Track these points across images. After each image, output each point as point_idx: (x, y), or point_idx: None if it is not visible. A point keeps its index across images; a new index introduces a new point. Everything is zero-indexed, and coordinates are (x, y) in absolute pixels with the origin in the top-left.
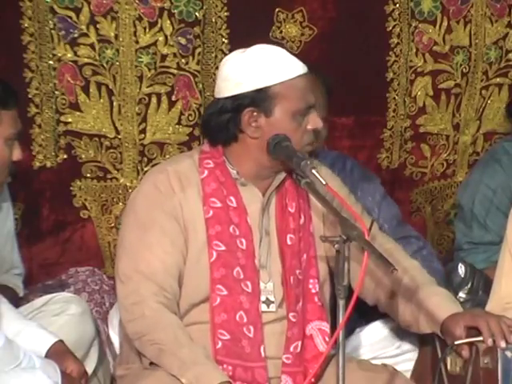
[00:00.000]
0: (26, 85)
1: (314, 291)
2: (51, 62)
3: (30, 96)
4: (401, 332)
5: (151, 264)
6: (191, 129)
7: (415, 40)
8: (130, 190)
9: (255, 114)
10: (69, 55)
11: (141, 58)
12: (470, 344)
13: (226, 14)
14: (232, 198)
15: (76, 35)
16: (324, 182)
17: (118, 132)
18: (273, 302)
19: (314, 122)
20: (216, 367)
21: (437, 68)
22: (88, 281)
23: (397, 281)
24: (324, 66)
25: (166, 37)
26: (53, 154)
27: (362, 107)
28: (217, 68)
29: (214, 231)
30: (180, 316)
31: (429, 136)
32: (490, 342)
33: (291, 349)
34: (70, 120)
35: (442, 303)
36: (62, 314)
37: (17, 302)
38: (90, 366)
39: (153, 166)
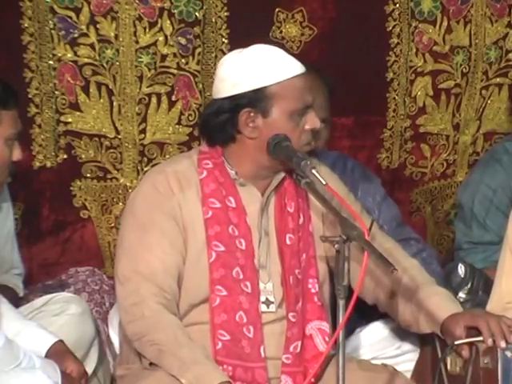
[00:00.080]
0: (26, 85)
1: (313, 291)
2: (51, 62)
3: (30, 96)
4: (401, 332)
5: (150, 265)
6: (191, 129)
7: (415, 40)
8: (129, 190)
9: (252, 114)
10: (69, 55)
11: (141, 57)
12: (470, 344)
13: (225, 13)
14: (231, 198)
15: (76, 35)
16: (324, 182)
17: (117, 132)
18: (272, 303)
19: (312, 121)
20: (216, 367)
21: (437, 68)
22: (88, 281)
23: (396, 280)
24: (324, 66)
25: (165, 37)
26: (53, 153)
27: (362, 107)
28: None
29: (213, 232)
30: (180, 317)
31: (429, 136)
32: (489, 342)
33: (291, 349)
34: (69, 120)
35: (441, 303)
36: (62, 314)
37: (17, 302)
38: (89, 366)
39: (153, 165)
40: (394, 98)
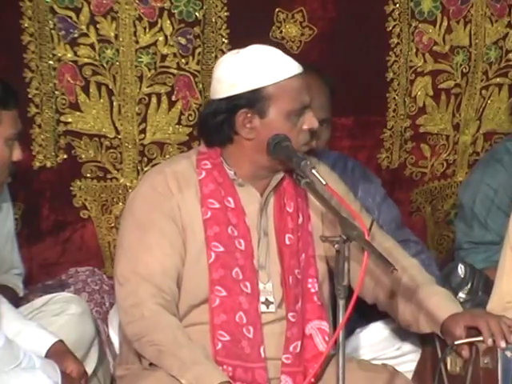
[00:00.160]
0: (26, 85)
1: (313, 290)
2: (51, 62)
3: (30, 96)
4: (401, 333)
5: (149, 266)
6: (191, 129)
7: (415, 40)
8: (129, 190)
9: (249, 115)
10: (69, 55)
11: (141, 58)
12: (470, 344)
13: (225, 13)
14: (230, 198)
15: (76, 35)
16: (324, 182)
17: (118, 132)
18: (272, 303)
19: (310, 121)
20: (216, 367)
21: (437, 68)
22: (88, 281)
23: (396, 280)
24: (324, 66)
25: (165, 37)
26: (53, 153)
27: (362, 107)
28: None
29: (212, 232)
30: (180, 317)
31: (429, 136)
32: (489, 342)
33: (291, 349)
34: (70, 120)
35: (441, 303)
36: (62, 314)
37: (17, 302)
38: (89, 366)
39: (153, 165)
40: (394, 98)
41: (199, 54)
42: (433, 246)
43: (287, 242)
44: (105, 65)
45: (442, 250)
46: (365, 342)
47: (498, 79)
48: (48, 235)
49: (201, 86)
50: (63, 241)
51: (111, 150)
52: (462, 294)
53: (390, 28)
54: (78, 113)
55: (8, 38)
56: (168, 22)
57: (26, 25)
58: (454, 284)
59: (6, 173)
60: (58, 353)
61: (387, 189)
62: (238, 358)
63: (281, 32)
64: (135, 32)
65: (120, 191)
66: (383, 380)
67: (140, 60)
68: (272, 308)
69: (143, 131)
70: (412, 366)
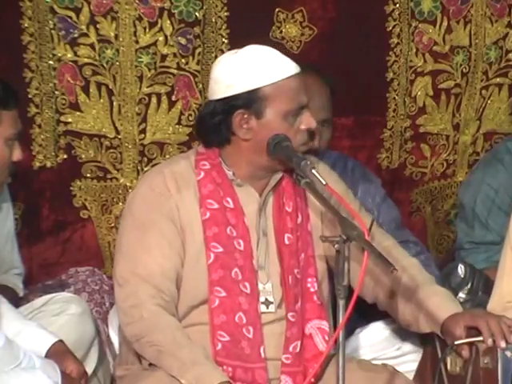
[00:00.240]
0: (26, 85)
1: (312, 290)
2: (51, 62)
3: (30, 96)
4: (401, 333)
5: (148, 267)
6: (191, 129)
7: (415, 40)
8: (129, 190)
9: (246, 116)
10: (69, 55)
11: (141, 58)
12: (470, 344)
13: (225, 13)
14: (229, 199)
15: (76, 35)
16: (324, 182)
17: (118, 132)
18: (272, 303)
19: (308, 121)
20: (216, 367)
21: (437, 68)
22: (88, 281)
23: (396, 279)
24: (324, 66)
25: (165, 37)
26: (53, 153)
27: (362, 107)
28: None
29: (211, 233)
30: (179, 318)
31: (429, 136)
32: (489, 342)
33: (290, 349)
34: (70, 120)
35: (442, 303)
36: (61, 314)
37: (17, 302)
38: (89, 366)
39: (153, 165)
40: (394, 98)
41: (199, 53)
42: (433, 246)
43: (286, 241)
44: (105, 65)
45: (441, 250)
46: (365, 342)
47: (497, 79)
48: (48, 235)
49: (201, 85)
50: (63, 241)
51: (111, 150)
52: (462, 294)
53: (390, 28)
54: (77, 113)
55: (8, 38)
56: (168, 21)
57: (26, 25)
58: (453, 284)
59: (5, 173)
60: (58, 353)
61: (387, 189)
62: (238, 358)
63: (281, 32)
64: (135, 32)
65: (120, 191)
66: (383, 380)
67: (140, 60)
68: (272, 308)
69: (143, 131)
70: (412, 366)
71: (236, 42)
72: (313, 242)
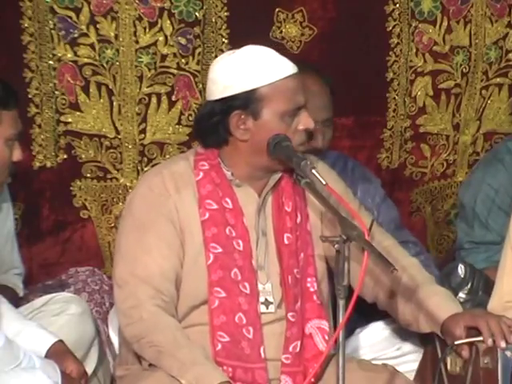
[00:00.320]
0: (26, 85)
1: (312, 290)
2: (51, 62)
3: (30, 96)
4: (401, 333)
5: (147, 267)
6: (191, 129)
7: (415, 40)
8: (129, 190)
9: (243, 116)
10: (69, 55)
11: (141, 58)
12: (470, 344)
13: (225, 13)
14: (228, 199)
15: (76, 35)
16: (324, 182)
17: (118, 132)
18: (272, 303)
19: (305, 122)
20: (215, 367)
21: (437, 68)
22: (88, 281)
23: (396, 279)
24: (324, 66)
25: (165, 37)
26: (53, 153)
27: (362, 107)
28: None
29: (210, 233)
30: (179, 318)
31: (429, 136)
32: (489, 342)
33: (290, 349)
34: (70, 120)
35: (442, 303)
36: (62, 314)
37: (17, 302)
38: (90, 366)
39: (153, 166)
40: (394, 98)
41: (199, 53)
42: (433, 246)
43: (286, 241)
44: (105, 65)
45: (441, 250)
46: (365, 342)
47: (498, 79)
48: (48, 235)
49: (201, 85)
50: (63, 241)
51: (111, 150)
52: (462, 294)
53: (390, 28)
54: (77, 113)
55: (8, 38)
56: (168, 21)
57: (26, 25)
58: (454, 284)
59: (6, 173)
60: (58, 353)
61: (387, 189)
62: (238, 358)
63: (281, 32)
64: (135, 32)
65: (120, 191)
66: (383, 380)
67: (140, 60)
68: (272, 308)
69: (143, 131)
70: (412, 366)
71: (236, 42)
72: (312, 241)
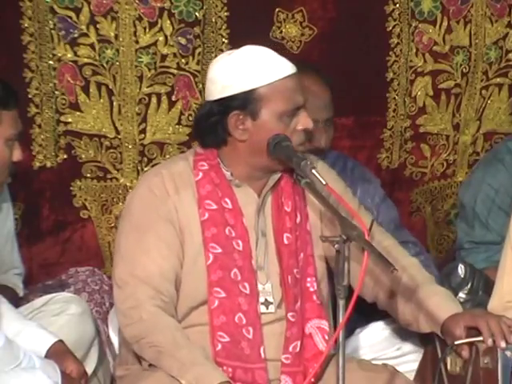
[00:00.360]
0: (26, 85)
1: (312, 290)
2: (51, 62)
3: (30, 96)
4: (401, 333)
5: (147, 268)
6: (191, 129)
7: (415, 40)
8: (129, 190)
9: (241, 116)
10: (69, 55)
11: (141, 58)
12: (470, 344)
13: (225, 13)
14: (227, 199)
15: (76, 35)
16: (324, 182)
17: (118, 132)
18: (271, 303)
19: (304, 122)
20: (215, 367)
21: (437, 68)
22: (88, 281)
23: (396, 279)
24: (324, 66)
25: (165, 37)
26: (53, 153)
27: (362, 107)
28: None
29: (209, 233)
30: (179, 319)
31: (429, 136)
32: (489, 342)
33: (290, 349)
34: (70, 120)
35: (442, 303)
36: (62, 314)
37: (17, 302)
38: (90, 366)
39: (153, 166)
40: (394, 98)
41: (199, 54)
42: (433, 246)
43: (285, 241)
44: (105, 65)
45: (441, 250)
46: (365, 343)
47: (498, 79)
48: (48, 235)
49: (201, 85)
50: (63, 241)
51: (111, 150)
52: (462, 294)
53: (390, 28)
54: (77, 113)
55: (8, 38)
56: (168, 21)
57: (26, 25)
58: (454, 284)
59: (6, 173)
60: (58, 353)
61: (387, 189)
62: (238, 358)
63: (281, 32)
64: (135, 32)
65: (120, 191)
66: (383, 380)
67: (140, 60)
68: (271, 308)
69: (143, 131)
70: (412, 366)
71: (236, 42)
72: (312, 241)
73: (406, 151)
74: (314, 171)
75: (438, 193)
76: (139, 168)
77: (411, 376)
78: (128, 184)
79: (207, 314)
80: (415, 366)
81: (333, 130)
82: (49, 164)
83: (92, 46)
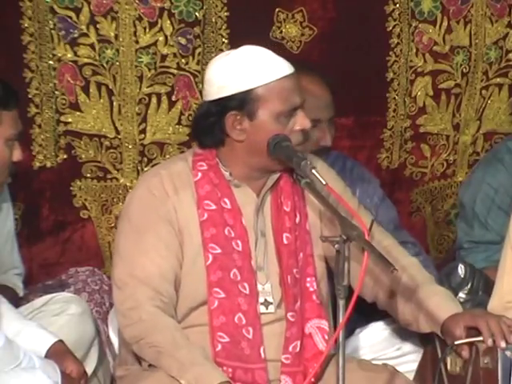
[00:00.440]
0: (26, 85)
1: (311, 289)
2: (51, 62)
3: (30, 96)
4: (401, 333)
5: (146, 269)
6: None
7: (415, 40)
8: (129, 190)
9: (238, 117)
10: (69, 55)
11: (141, 58)
12: (470, 344)
13: (225, 14)
14: (226, 199)
15: (76, 35)
16: (324, 182)
17: (117, 132)
18: (271, 303)
19: (302, 122)
20: (215, 367)
21: (437, 68)
22: (88, 281)
23: (396, 279)
24: (324, 66)
25: (165, 37)
26: (53, 153)
27: (362, 107)
28: None
29: (209, 234)
30: (178, 319)
31: (429, 136)
32: (489, 342)
33: (290, 349)
34: (70, 120)
35: (442, 303)
36: (62, 314)
37: (17, 302)
38: (90, 366)
39: (153, 166)
40: (394, 98)
41: (199, 54)
42: (433, 246)
43: (285, 241)
44: (105, 65)
45: (441, 250)
46: (365, 343)
47: (498, 79)
48: (48, 235)
49: (201, 86)
50: (63, 241)
51: (111, 150)
52: (462, 294)
53: (390, 28)
54: (77, 113)
55: (8, 37)
56: (168, 21)
57: (26, 25)
58: (454, 284)
59: (6, 173)
60: (58, 353)
61: (387, 189)
62: (238, 359)
63: (281, 32)
64: (135, 32)
65: (120, 191)
66: (383, 380)
67: (140, 60)
68: (271, 309)
69: (143, 131)
70: (412, 366)
71: (236, 42)
72: (311, 241)
73: (406, 151)
74: (313, 171)
75: (437, 193)
76: (139, 168)
77: (411, 376)
78: (128, 184)
79: (207, 315)
80: (415, 366)
81: (334, 129)
82: (49, 164)
83: (92, 45)
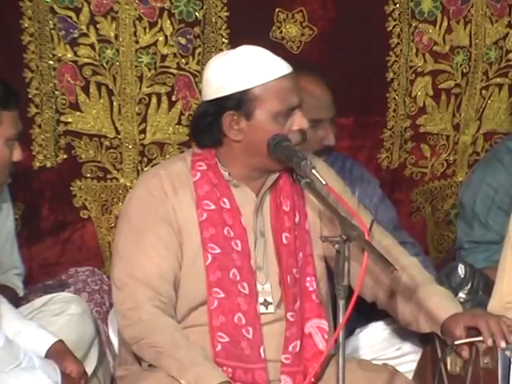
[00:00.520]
0: (26, 85)
1: (311, 289)
2: (51, 62)
3: (30, 96)
4: (401, 334)
5: (146, 269)
6: None
7: (415, 40)
8: (129, 190)
9: (236, 117)
10: (69, 55)
11: (141, 58)
12: (470, 344)
13: (225, 14)
14: (225, 199)
15: (76, 35)
16: (324, 182)
17: (118, 132)
18: (271, 303)
19: (300, 122)
20: (215, 367)
21: (437, 68)
22: (88, 281)
23: (396, 279)
24: (324, 66)
25: (165, 37)
26: (53, 153)
27: (362, 107)
28: None
29: (208, 234)
30: (178, 319)
31: (429, 136)
32: (489, 342)
33: (290, 348)
34: (70, 120)
35: (441, 303)
36: (62, 314)
37: (17, 302)
38: (90, 366)
39: (153, 166)
40: (394, 98)
41: (199, 54)
42: (433, 246)
43: (284, 241)
44: (105, 65)
45: (441, 250)
46: (365, 343)
47: (498, 79)
48: (48, 235)
49: (201, 86)
50: (63, 241)
51: (111, 150)
52: (462, 294)
53: (390, 28)
54: (77, 113)
55: (8, 37)
56: (168, 22)
57: (26, 25)
58: (454, 284)
59: (6, 173)
60: (58, 353)
61: (387, 189)
62: (238, 359)
63: (281, 32)
64: (135, 32)
65: (120, 191)
66: (383, 380)
67: (140, 60)
68: (271, 308)
69: (143, 131)
70: (412, 366)
71: (236, 42)
72: (311, 240)
73: (406, 151)
74: (313, 171)
75: (437, 193)
76: (139, 168)
77: (411, 376)
78: (128, 184)
79: (206, 315)
80: (415, 365)
81: (335, 130)
82: (49, 164)
83: (92, 46)
